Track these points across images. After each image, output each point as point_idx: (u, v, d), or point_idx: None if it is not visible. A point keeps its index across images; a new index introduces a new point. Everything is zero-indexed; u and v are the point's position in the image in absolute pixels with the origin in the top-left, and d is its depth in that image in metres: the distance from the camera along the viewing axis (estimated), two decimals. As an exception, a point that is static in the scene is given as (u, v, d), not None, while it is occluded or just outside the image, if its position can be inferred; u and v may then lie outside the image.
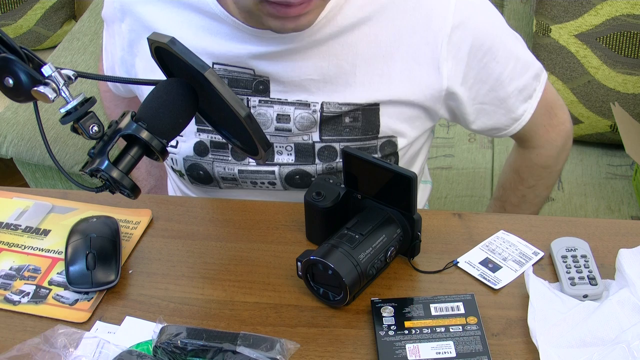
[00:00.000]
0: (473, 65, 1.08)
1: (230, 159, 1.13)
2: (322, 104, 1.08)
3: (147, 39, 0.88)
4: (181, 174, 1.17)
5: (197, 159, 1.14)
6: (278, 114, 1.09)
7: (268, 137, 1.10)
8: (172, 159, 1.16)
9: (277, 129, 1.10)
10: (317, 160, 1.11)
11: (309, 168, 1.12)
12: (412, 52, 1.06)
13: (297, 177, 1.13)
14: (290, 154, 1.12)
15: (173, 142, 1.13)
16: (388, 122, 1.10)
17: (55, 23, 2.31)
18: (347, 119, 1.09)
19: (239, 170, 1.14)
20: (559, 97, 1.25)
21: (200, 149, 1.13)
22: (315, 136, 1.10)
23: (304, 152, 1.11)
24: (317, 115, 1.08)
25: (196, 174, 1.16)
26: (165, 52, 0.88)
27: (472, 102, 1.12)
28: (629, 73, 1.72)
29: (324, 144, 1.11)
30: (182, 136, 1.13)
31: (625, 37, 1.69)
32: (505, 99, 1.14)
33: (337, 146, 1.11)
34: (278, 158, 1.12)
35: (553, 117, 1.23)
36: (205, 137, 1.13)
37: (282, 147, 1.11)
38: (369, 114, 1.09)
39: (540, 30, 1.77)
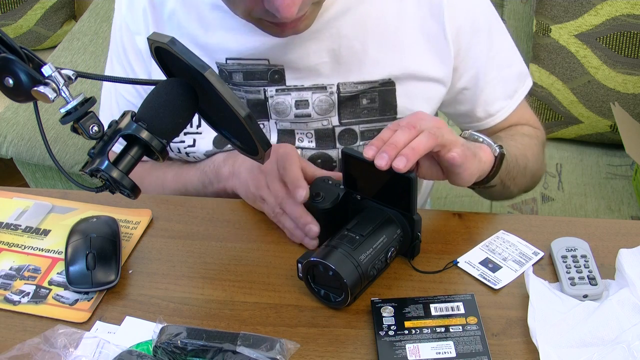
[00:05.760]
0: (462, 44, 1.09)
1: None
2: (338, 85, 1.09)
3: (147, 38, 0.88)
4: None
5: (217, 151, 1.15)
6: (296, 101, 1.10)
7: (288, 125, 1.11)
8: (193, 157, 1.17)
9: (296, 116, 1.11)
10: (338, 145, 1.12)
11: (331, 152, 1.12)
12: (418, 25, 1.07)
13: (319, 160, 1.13)
14: (311, 141, 1.12)
15: (190, 141, 1.14)
16: (405, 102, 1.11)
17: (55, 23, 2.32)
18: (364, 101, 1.09)
19: None
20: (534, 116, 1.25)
21: (220, 141, 1.14)
22: (335, 120, 1.11)
23: (324, 138, 1.12)
24: (335, 97, 1.09)
25: None
26: (165, 52, 0.88)
27: (454, 84, 1.13)
28: (629, 73, 1.72)
29: (343, 128, 1.11)
30: (200, 133, 1.14)
31: (625, 37, 1.69)
32: (483, 88, 1.14)
33: (357, 129, 1.11)
34: (299, 145, 1.13)
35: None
36: None
37: (303, 134, 1.12)
38: (385, 94, 1.10)
39: (540, 30, 1.77)
